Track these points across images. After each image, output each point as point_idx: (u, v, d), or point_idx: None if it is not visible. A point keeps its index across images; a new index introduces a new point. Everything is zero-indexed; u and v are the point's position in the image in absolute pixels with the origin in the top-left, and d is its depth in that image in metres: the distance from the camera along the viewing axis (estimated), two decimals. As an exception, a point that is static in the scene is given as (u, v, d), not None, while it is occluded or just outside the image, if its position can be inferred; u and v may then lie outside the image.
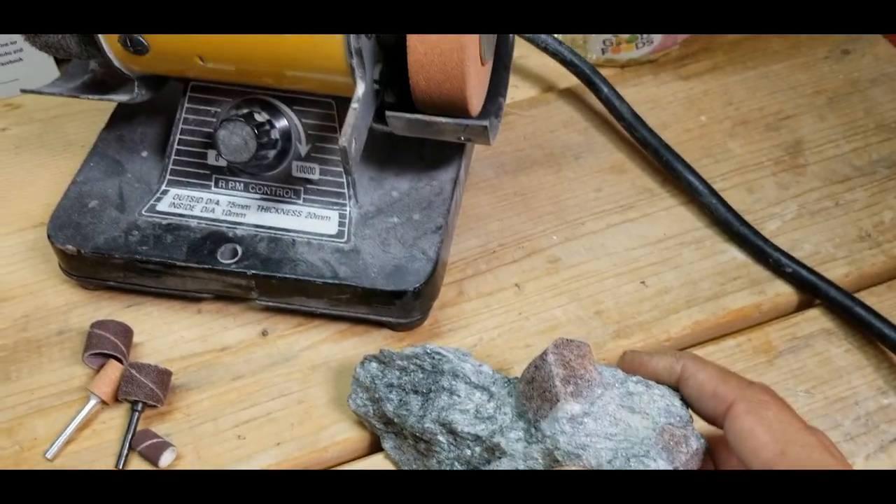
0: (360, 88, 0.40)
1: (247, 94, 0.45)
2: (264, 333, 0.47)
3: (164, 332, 0.47)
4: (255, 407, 0.44)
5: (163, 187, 0.47)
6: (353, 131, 0.39)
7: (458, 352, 0.40)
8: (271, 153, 0.45)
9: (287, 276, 0.44)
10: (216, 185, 0.47)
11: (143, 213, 0.46)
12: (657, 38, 0.57)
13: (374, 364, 0.42)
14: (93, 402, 0.43)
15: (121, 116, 0.50)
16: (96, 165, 0.48)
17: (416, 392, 0.40)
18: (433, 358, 0.40)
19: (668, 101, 0.57)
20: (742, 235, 0.49)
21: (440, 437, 0.39)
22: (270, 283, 0.44)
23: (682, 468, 0.34)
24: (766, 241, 0.48)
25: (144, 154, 0.49)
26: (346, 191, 0.46)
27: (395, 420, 0.40)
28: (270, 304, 0.46)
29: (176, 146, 0.47)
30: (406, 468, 0.42)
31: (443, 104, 0.42)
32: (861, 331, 0.46)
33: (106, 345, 0.44)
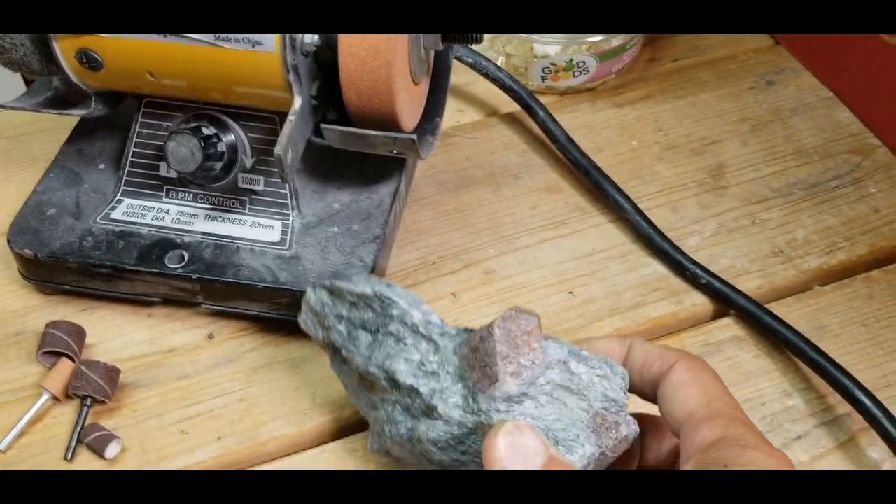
0: (297, 102, 0.44)
1: (197, 109, 0.48)
2: (210, 336, 0.49)
3: (115, 334, 0.49)
4: (198, 404, 0.47)
5: (117, 197, 0.50)
6: (288, 141, 0.42)
7: (409, 296, 0.39)
8: (218, 165, 0.48)
9: (230, 280, 0.47)
10: (167, 196, 0.50)
11: (97, 220, 0.49)
12: (593, 68, 0.61)
13: (324, 293, 0.41)
14: (45, 397, 0.46)
15: (81, 132, 0.54)
16: (56, 176, 0.51)
17: (364, 328, 0.40)
18: (382, 301, 0.39)
19: (603, 127, 0.61)
20: (663, 250, 0.52)
21: (383, 383, 0.39)
22: (214, 286, 0.47)
23: (608, 452, 0.35)
24: (684, 255, 0.52)
25: (101, 166, 0.52)
26: (289, 202, 0.49)
27: (343, 352, 0.40)
28: (216, 307, 0.49)
29: (130, 158, 0.50)
30: (351, 392, 0.42)
31: (375, 118, 0.45)
32: (769, 338, 0.49)
33: (59, 343, 0.47)
